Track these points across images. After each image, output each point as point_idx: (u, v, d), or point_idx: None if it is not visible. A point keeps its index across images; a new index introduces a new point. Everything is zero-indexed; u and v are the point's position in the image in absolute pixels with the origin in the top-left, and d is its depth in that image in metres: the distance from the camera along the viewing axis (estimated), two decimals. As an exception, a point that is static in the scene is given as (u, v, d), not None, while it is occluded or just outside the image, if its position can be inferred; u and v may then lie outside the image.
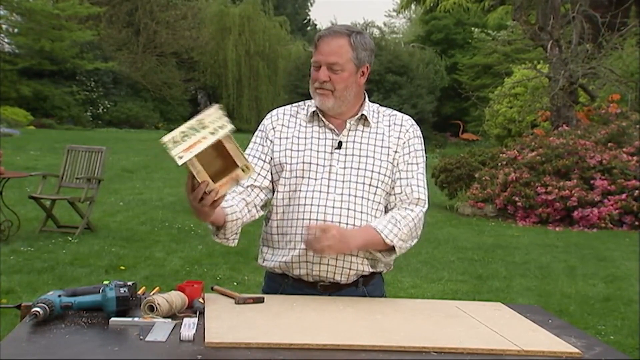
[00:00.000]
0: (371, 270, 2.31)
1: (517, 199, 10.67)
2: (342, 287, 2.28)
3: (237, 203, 2.25)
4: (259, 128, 2.40)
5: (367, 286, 2.32)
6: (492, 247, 8.49)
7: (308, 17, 50.45)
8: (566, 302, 6.00)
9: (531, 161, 10.99)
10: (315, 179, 2.25)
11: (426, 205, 2.35)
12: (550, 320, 2.11)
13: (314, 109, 2.33)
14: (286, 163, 2.28)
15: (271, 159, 2.31)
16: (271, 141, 2.33)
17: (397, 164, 2.31)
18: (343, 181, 2.24)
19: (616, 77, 13.69)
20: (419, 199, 2.32)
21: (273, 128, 2.35)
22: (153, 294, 2.00)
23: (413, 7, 32.56)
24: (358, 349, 1.70)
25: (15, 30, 30.65)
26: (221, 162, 1.96)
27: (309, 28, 48.70)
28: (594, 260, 7.89)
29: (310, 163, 2.26)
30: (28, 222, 8.35)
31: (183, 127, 1.90)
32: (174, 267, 6.82)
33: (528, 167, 10.96)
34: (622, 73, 14.38)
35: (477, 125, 25.79)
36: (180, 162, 1.85)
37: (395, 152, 2.32)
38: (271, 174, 2.32)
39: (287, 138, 2.31)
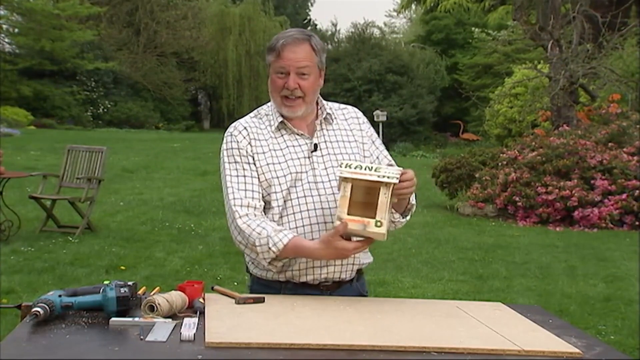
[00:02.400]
0: (367, 261, 2.38)
1: (517, 199, 10.66)
2: (341, 284, 2.32)
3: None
4: (230, 146, 2.30)
5: (358, 281, 2.38)
6: (493, 247, 8.49)
7: (308, 17, 50.43)
8: (566, 302, 6.00)
9: (531, 161, 10.99)
10: (302, 186, 2.26)
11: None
12: (550, 320, 2.11)
13: (279, 119, 2.31)
14: (274, 177, 2.25)
15: (258, 175, 2.28)
16: (252, 156, 2.28)
17: (371, 154, 2.39)
18: (329, 181, 2.28)
19: (616, 77, 13.68)
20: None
21: (249, 143, 2.29)
22: (153, 294, 2.00)
23: (413, 7, 32.59)
24: (358, 349, 1.70)
25: (16, 30, 30.68)
26: (365, 205, 2.08)
27: (309, 28, 48.69)
28: (594, 260, 7.88)
29: (295, 172, 2.27)
30: (28, 222, 8.36)
31: (363, 163, 2.09)
32: (174, 267, 6.82)
33: (528, 167, 10.96)
34: (623, 73, 14.38)
35: (477, 125, 25.81)
36: (340, 175, 2.06)
37: (363, 143, 2.39)
38: (261, 189, 2.28)
39: (264, 152, 2.28)
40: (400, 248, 8.02)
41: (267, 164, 2.27)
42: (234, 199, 2.24)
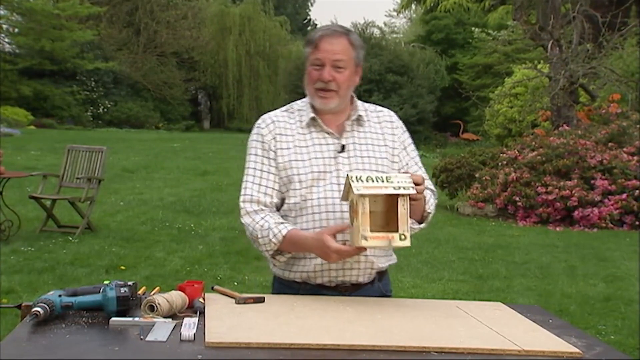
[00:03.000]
0: (387, 264, 2.35)
1: (517, 198, 10.66)
2: (362, 285, 2.29)
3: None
4: (255, 138, 2.32)
5: (380, 282, 2.35)
6: (493, 247, 8.49)
7: (308, 17, 50.45)
8: (566, 302, 6.00)
9: (531, 161, 10.98)
10: (325, 186, 2.23)
11: (436, 194, 2.42)
12: (550, 320, 2.11)
13: (311, 114, 2.30)
14: (294, 174, 2.24)
15: (278, 171, 2.27)
16: (274, 152, 2.27)
17: (400, 160, 2.34)
18: None
19: (616, 77, 13.68)
20: (432, 189, 2.38)
21: (273, 138, 2.29)
22: (153, 293, 2.00)
23: (413, 7, 32.62)
24: (358, 349, 1.70)
25: (16, 30, 30.70)
26: (384, 220, 2.06)
27: (309, 28, 48.69)
28: (594, 260, 7.88)
29: (318, 171, 2.24)
30: (28, 222, 8.36)
31: (372, 174, 2.05)
32: (174, 267, 6.81)
33: (528, 167, 10.95)
34: (623, 73, 14.37)
35: (477, 125, 25.81)
36: (357, 192, 1.99)
37: (393, 148, 2.35)
38: (279, 186, 2.28)
39: (288, 148, 2.27)
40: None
41: (290, 160, 2.25)
42: (244, 194, 2.26)
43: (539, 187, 10.54)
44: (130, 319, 1.84)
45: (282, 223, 2.19)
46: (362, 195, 1.99)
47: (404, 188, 2.01)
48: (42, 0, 28.86)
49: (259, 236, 2.20)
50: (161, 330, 1.77)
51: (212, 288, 2.21)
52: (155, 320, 1.84)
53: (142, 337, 1.71)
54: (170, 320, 1.85)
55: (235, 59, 34.27)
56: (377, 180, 2.02)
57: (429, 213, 2.30)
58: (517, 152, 11.56)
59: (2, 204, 7.69)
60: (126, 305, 1.87)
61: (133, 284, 1.92)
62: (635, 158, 10.71)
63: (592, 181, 10.48)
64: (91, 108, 30.53)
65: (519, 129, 17.71)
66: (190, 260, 7.10)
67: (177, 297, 1.95)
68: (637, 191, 10.18)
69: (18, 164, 13.04)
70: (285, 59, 34.24)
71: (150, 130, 29.79)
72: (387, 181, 2.02)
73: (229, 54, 34.17)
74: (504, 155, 11.77)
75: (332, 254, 2.08)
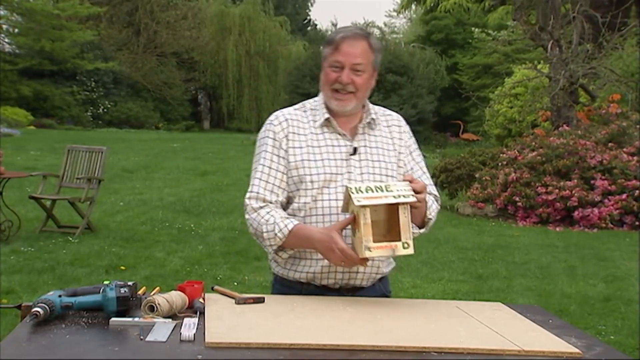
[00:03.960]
0: (389, 268, 2.36)
1: (517, 199, 10.66)
2: (364, 287, 2.30)
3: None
4: (266, 135, 2.30)
5: (381, 282, 2.36)
6: (493, 247, 8.49)
7: (308, 17, 50.41)
8: (566, 302, 6.00)
9: (531, 161, 10.98)
10: (335, 189, 2.23)
11: (439, 200, 2.42)
12: (550, 320, 2.11)
13: (326, 115, 2.29)
14: (306, 175, 2.23)
15: (288, 170, 2.26)
16: (285, 150, 2.26)
17: (405, 165, 2.35)
18: None
19: (616, 77, 13.68)
20: (436, 195, 2.39)
21: (285, 136, 2.27)
22: (153, 294, 2.00)
23: (413, 7, 32.60)
24: (358, 349, 1.70)
25: (16, 30, 30.69)
26: (385, 229, 2.07)
27: (309, 28, 48.69)
28: (594, 260, 7.88)
29: (330, 173, 2.23)
30: (28, 222, 8.36)
31: (370, 184, 2.07)
32: (174, 267, 6.81)
33: (528, 167, 10.95)
34: (623, 73, 14.37)
35: (477, 125, 25.80)
36: (357, 204, 1.99)
37: (400, 152, 2.35)
38: (288, 185, 2.27)
39: (301, 147, 2.26)
40: (400, 248, 8.01)
41: (302, 160, 2.24)
42: (251, 191, 2.25)
43: (539, 188, 10.54)
44: (130, 319, 1.84)
45: (287, 218, 2.19)
46: (363, 206, 1.99)
47: (403, 196, 2.02)
48: (42, 1, 28.86)
49: (264, 230, 2.19)
50: (161, 330, 1.77)
51: (212, 288, 2.21)
52: (155, 320, 1.84)
53: (142, 337, 1.71)
54: (170, 320, 1.85)
55: (235, 59, 34.26)
56: (376, 190, 2.02)
57: (430, 219, 2.30)
58: (517, 153, 11.56)
59: (2, 204, 7.68)
60: (126, 306, 1.87)
61: (133, 284, 1.92)
62: (635, 158, 10.71)
63: (592, 181, 10.48)
64: (91, 108, 30.52)
65: (519, 129, 17.71)
66: (190, 261, 7.10)
67: (177, 298, 1.95)
68: (637, 191, 10.18)
69: (18, 164, 13.05)
70: (285, 59, 34.26)
71: (150, 131, 29.79)
72: (387, 190, 2.03)
73: (229, 54, 34.16)
74: (504, 155, 11.77)
75: (336, 251, 2.06)
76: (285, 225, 2.16)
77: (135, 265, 6.77)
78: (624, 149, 11.01)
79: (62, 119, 28.50)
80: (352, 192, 2.01)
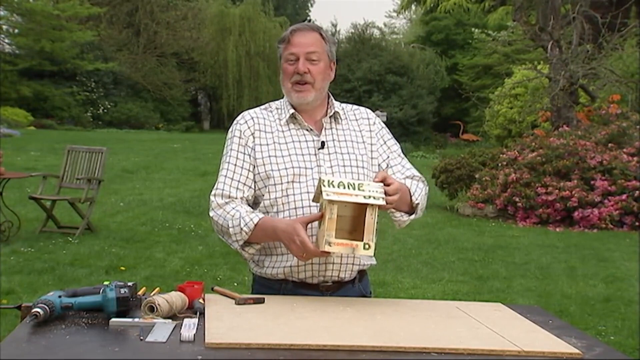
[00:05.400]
0: (368, 263, 2.34)
1: (517, 199, 10.67)
2: (342, 285, 2.29)
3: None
4: (233, 134, 2.33)
5: (361, 282, 2.36)
6: (493, 248, 8.49)
7: (308, 18, 50.42)
8: (566, 303, 6.00)
9: (531, 162, 10.99)
10: (306, 182, 2.24)
11: (425, 181, 2.41)
12: (550, 321, 2.11)
13: (291, 111, 2.31)
14: (273, 170, 2.25)
15: (254, 167, 2.28)
16: (252, 148, 2.29)
17: (380, 155, 2.36)
18: None
19: (616, 77, 13.69)
20: (419, 176, 2.38)
21: (252, 134, 2.30)
22: (153, 294, 2.00)
23: (413, 7, 32.58)
24: (358, 350, 1.70)
25: (16, 30, 30.70)
26: (351, 226, 2.07)
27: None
28: (594, 260, 7.88)
29: (299, 167, 2.25)
30: (28, 222, 8.36)
31: (344, 179, 2.06)
32: (174, 267, 6.82)
33: (528, 168, 10.96)
34: (623, 73, 14.38)
35: (477, 126, 25.81)
36: (326, 198, 1.99)
37: (371, 144, 2.37)
38: (255, 182, 2.29)
39: (267, 144, 2.28)
40: (400, 248, 8.02)
41: (269, 156, 2.26)
42: (216, 189, 2.30)
43: (539, 188, 10.54)
44: (130, 319, 1.84)
45: (253, 212, 2.21)
46: (331, 201, 1.99)
47: (374, 198, 2.01)
48: (42, 1, 28.87)
49: (230, 226, 2.21)
50: (161, 331, 1.77)
51: (212, 289, 2.21)
52: (155, 321, 1.84)
53: (142, 337, 1.71)
54: (170, 321, 1.85)
55: (235, 60, 34.25)
56: (348, 187, 2.02)
57: (417, 203, 2.30)
58: (517, 153, 11.56)
59: (2, 204, 7.69)
60: (126, 306, 1.87)
61: (133, 284, 1.93)
62: (635, 159, 10.72)
63: (592, 182, 10.48)
64: (91, 109, 30.52)
65: (518, 130, 17.72)
66: (190, 261, 7.11)
67: (177, 298, 1.95)
68: (637, 192, 10.19)
69: (18, 165, 13.05)
70: (285, 60, 34.19)
71: (150, 131, 29.79)
72: (359, 189, 2.02)
73: (229, 55, 34.16)
74: (504, 155, 11.77)
75: (297, 242, 2.05)
76: (251, 219, 2.18)
77: (135, 266, 6.77)
78: (624, 150, 11.01)
79: (62, 119, 28.49)
80: (324, 185, 2.01)
